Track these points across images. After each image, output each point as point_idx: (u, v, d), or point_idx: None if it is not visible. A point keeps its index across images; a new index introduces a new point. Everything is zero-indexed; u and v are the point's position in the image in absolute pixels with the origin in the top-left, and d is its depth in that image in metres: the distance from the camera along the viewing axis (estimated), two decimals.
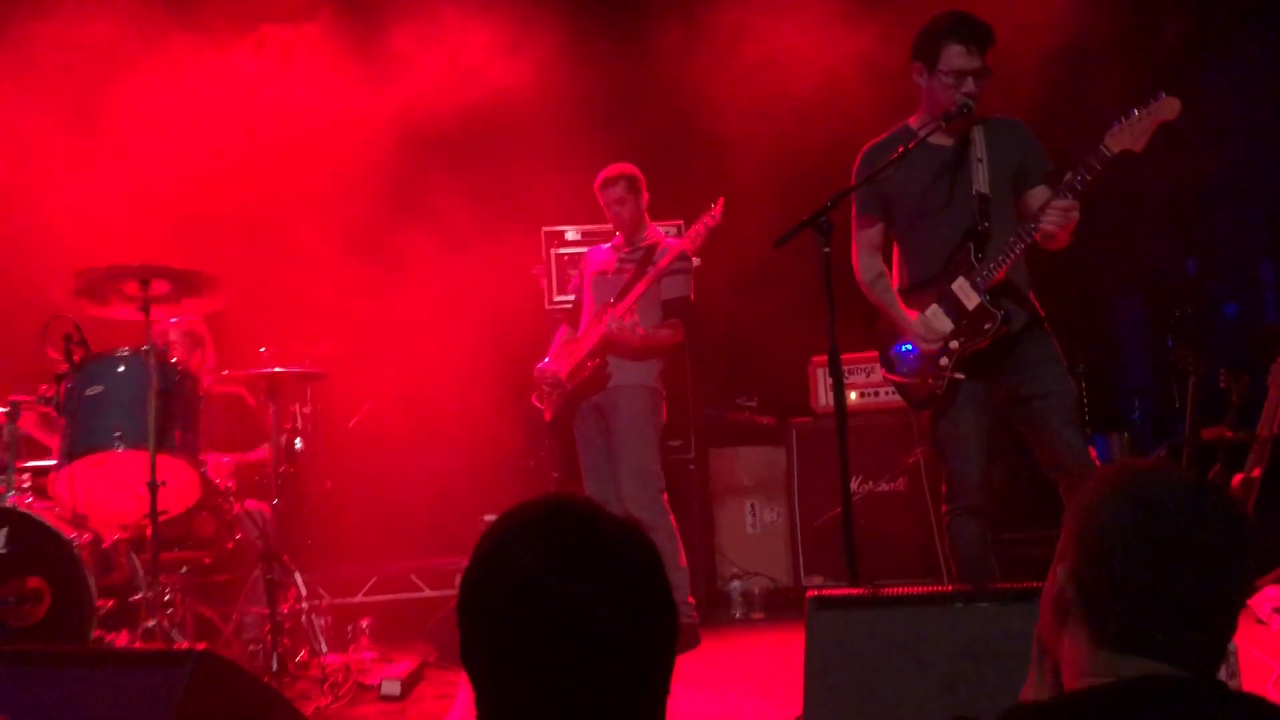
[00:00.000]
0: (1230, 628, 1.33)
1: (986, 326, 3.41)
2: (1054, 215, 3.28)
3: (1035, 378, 3.45)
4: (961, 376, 3.47)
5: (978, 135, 3.52)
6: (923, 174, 3.54)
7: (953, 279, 3.47)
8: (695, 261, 5.03)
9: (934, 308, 3.50)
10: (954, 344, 3.47)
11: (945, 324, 3.48)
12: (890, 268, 3.70)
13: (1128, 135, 3.19)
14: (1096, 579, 1.33)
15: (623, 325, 4.59)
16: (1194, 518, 1.31)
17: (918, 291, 3.59)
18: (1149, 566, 1.30)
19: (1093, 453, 3.46)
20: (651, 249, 4.80)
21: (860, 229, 3.68)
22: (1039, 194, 3.46)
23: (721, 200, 4.59)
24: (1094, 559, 1.34)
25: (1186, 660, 1.30)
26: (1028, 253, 3.45)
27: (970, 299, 3.44)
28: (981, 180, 3.47)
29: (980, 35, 3.41)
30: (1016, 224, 3.44)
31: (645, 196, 4.88)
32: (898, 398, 3.82)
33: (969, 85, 3.40)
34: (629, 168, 4.85)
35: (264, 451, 4.73)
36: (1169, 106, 3.18)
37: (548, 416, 4.94)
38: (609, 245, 5.01)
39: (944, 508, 3.57)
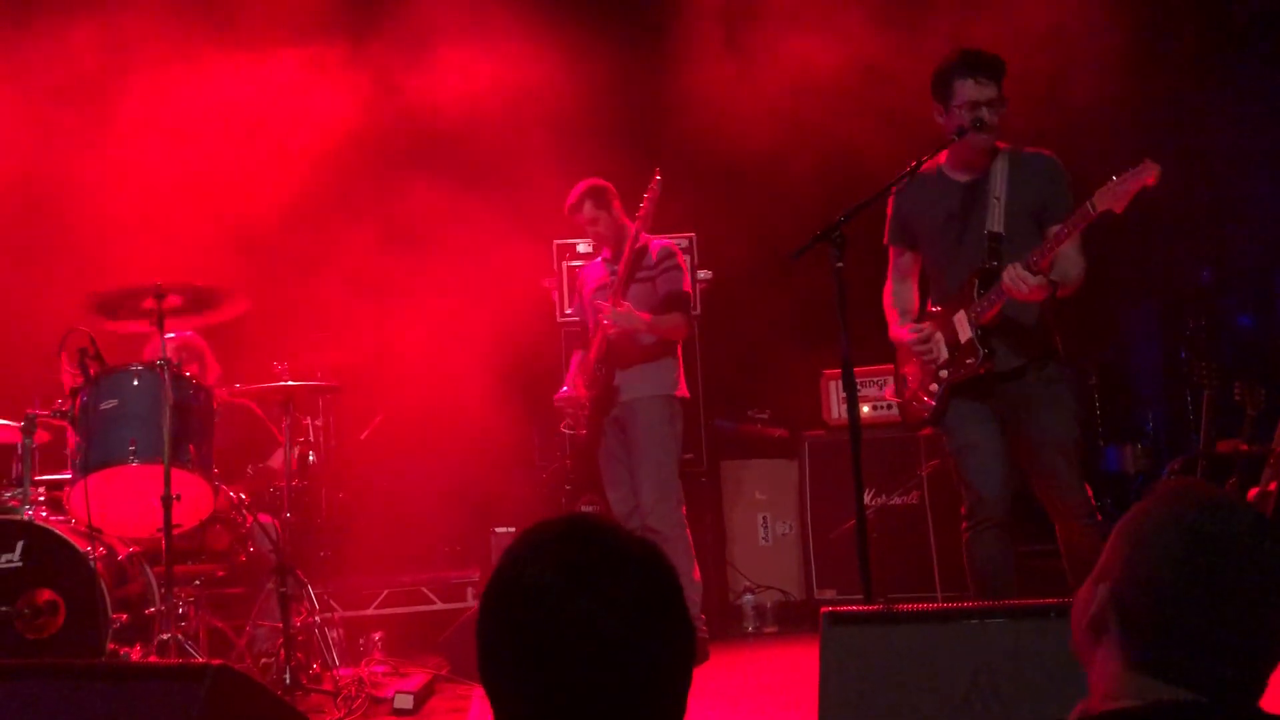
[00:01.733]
0: (1273, 664, 1.31)
1: (969, 361, 3.52)
2: (1010, 282, 3.31)
3: (1035, 420, 3.52)
4: (933, 403, 3.59)
5: (1000, 171, 3.57)
6: (940, 209, 3.66)
7: (956, 310, 3.58)
8: (704, 274, 5.03)
9: (938, 335, 3.63)
10: (943, 373, 3.60)
11: (943, 352, 3.62)
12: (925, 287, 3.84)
13: (1110, 196, 3.23)
14: (1141, 606, 1.31)
15: (620, 315, 4.56)
16: (1253, 560, 1.28)
17: (936, 317, 3.71)
18: (1199, 604, 1.28)
19: (1089, 490, 3.52)
20: (640, 252, 4.78)
21: (893, 257, 3.86)
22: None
23: (658, 172, 4.58)
24: (1141, 586, 1.31)
25: (1224, 693, 1.28)
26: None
27: (964, 332, 3.54)
28: (996, 219, 3.55)
29: (989, 66, 3.49)
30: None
31: (617, 204, 4.83)
32: None
33: (983, 113, 3.47)
34: (589, 184, 4.81)
35: (276, 460, 4.75)
36: (1148, 171, 3.21)
37: (583, 433, 4.90)
38: (600, 259, 5.01)
39: (964, 524, 3.57)
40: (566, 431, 4.98)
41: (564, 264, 5.72)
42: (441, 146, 5.89)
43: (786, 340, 5.71)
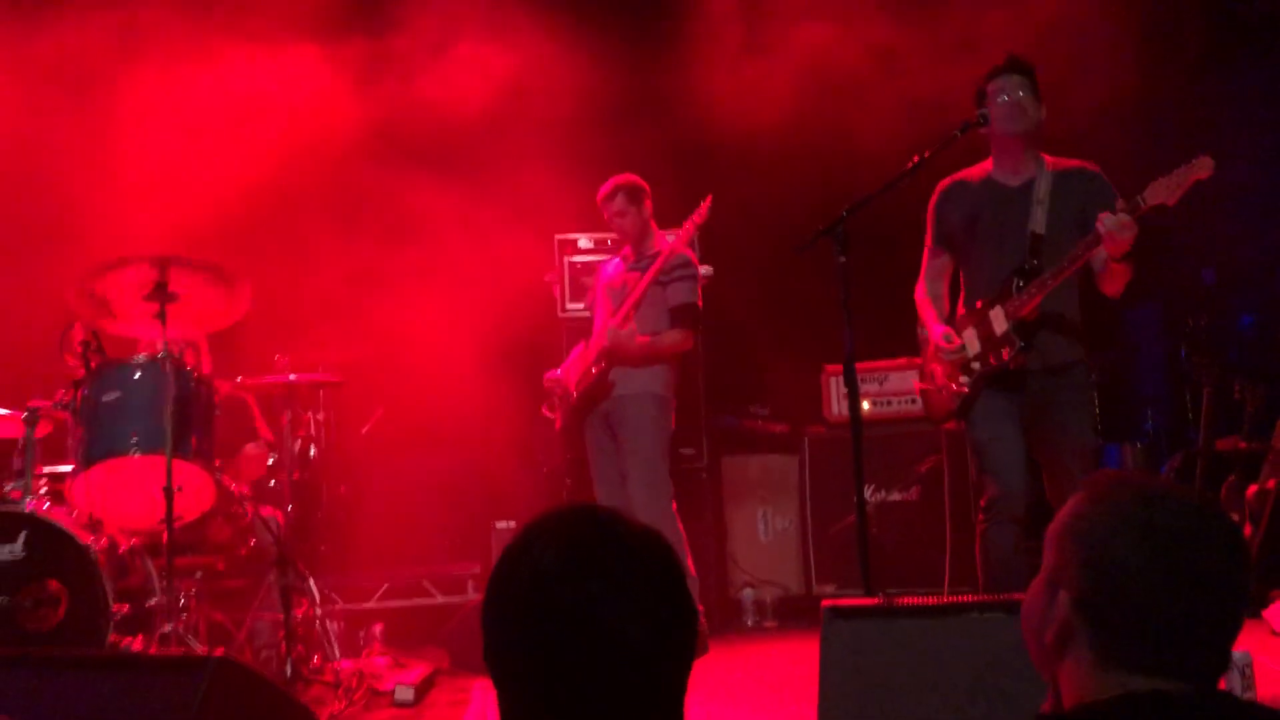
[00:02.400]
0: (1235, 638, 1.35)
1: (1004, 352, 3.55)
2: (1107, 225, 3.30)
3: (1057, 419, 3.57)
4: (967, 390, 3.63)
5: (1044, 180, 3.65)
6: (985, 211, 3.72)
7: (991, 307, 3.63)
8: (705, 270, 5.03)
9: (970, 331, 3.68)
10: (975, 364, 3.64)
11: (975, 346, 3.65)
12: (957, 290, 3.88)
13: (1163, 190, 3.28)
14: (1111, 607, 1.33)
15: (619, 333, 4.58)
16: (1205, 540, 1.32)
17: (966, 317, 3.75)
18: (1167, 592, 1.31)
19: None
20: (657, 257, 4.80)
21: (930, 256, 3.92)
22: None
23: (709, 198, 4.60)
24: (1108, 588, 1.33)
25: (1195, 675, 1.32)
26: (1081, 289, 3.57)
27: (999, 325, 3.58)
28: (1038, 221, 3.61)
29: (1013, 62, 3.63)
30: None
31: (649, 205, 4.84)
32: (910, 407, 3.95)
33: (1013, 101, 3.57)
34: (628, 178, 4.82)
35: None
36: (1203, 165, 3.28)
37: (558, 425, 4.94)
38: (619, 257, 5.02)
39: (980, 516, 3.61)
40: (546, 414, 5.00)
41: (565, 259, 5.72)
42: (444, 140, 5.89)
43: (788, 336, 5.72)
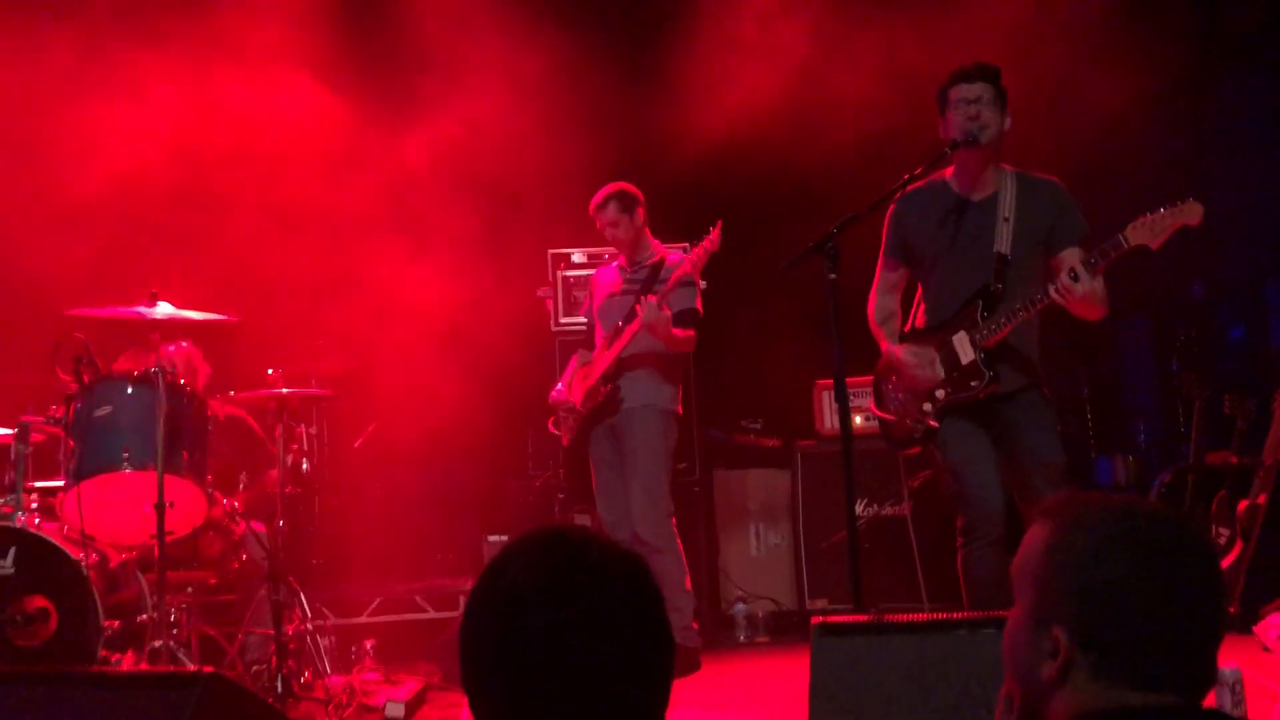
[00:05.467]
0: (1219, 645, 1.38)
1: (973, 384, 3.48)
2: (1064, 286, 3.27)
3: (1025, 441, 3.50)
4: (936, 425, 3.54)
5: (1008, 193, 3.54)
6: (947, 226, 3.60)
7: (955, 331, 3.53)
8: (701, 283, 5.04)
9: (934, 356, 3.57)
10: (940, 393, 3.54)
11: (938, 372, 3.55)
12: (912, 305, 3.78)
13: (1147, 231, 3.21)
14: (1111, 628, 1.33)
15: (656, 314, 4.45)
16: (1185, 547, 1.36)
17: (926, 336, 3.65)
18: (1162, 601, 1.33)
19: None
20: (657, 266, 4.80)
21: (884, 269, 3.79)
22: (1070, 256, 3.45)
23: (720, 224, 4.58)
24: (1106, 611, 1.34)
25: (1190, 685, 1.34)
26: (1042, 316, 3.49)
27: (966, 354, 3.50)
28: (1003, 240, 3.51)
29: (979, 69, 3.52)
30: (1030, 288, 3.43)
31: (642, 212, 4.83)
32: None
33: (975, 111, 3.46)
34: (619, 186, 4.80)
35: (272, 478, 4.76)
36: (1192, 211, 3.20)
37: (565, 442, 4.93)
38: (615, 265, 5.01)
39: (960, 540, 3.54)
40: (552, 430, 4.99)
41: (559, 273, 5.73)
42: (437, 156, 5.91)
43: (780, 351, 5.73)
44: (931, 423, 3.54)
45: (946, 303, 3.59)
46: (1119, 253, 3.25)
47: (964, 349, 3.49)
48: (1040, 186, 3.59)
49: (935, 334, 3.59)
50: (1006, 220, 3.51)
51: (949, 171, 3.65)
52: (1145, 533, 1.35)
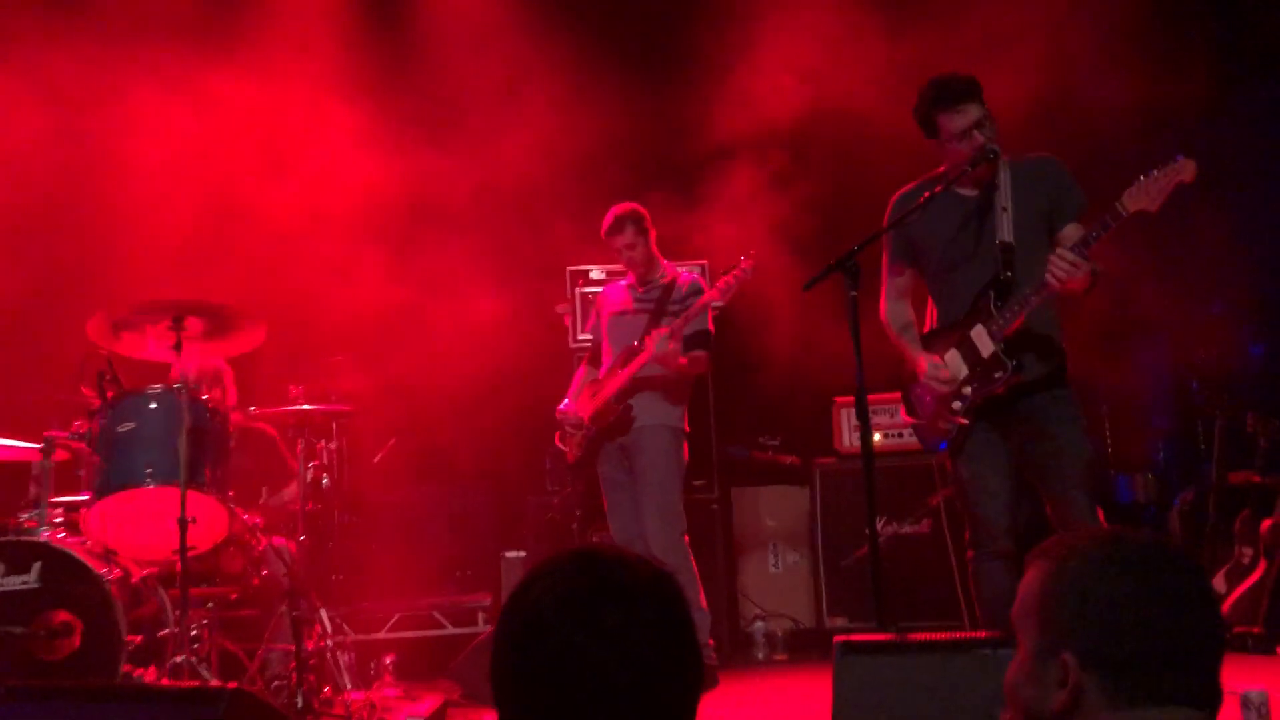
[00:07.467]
0: (1220, 662, 1.43)
1: (997, 375, 3.43)
2: (1056, 268, 3.25)
3: (1049, 436, 3.45)
4: (966, 422, 3.49)
5: (1004, 181, 3.51)
6: (949, 224, 3.58)
7: (972, 326, 3.50)
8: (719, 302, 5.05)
9: (952, 352, 3.53)
10: (967, 390, 3.49)
11: (961, 369, 3.51)
12: (923, 310, 3.74)
13: (1144, 196, 3.18)
14: (1117, 644, 1.39)
15: (666, 346, 4.52)
16: (1174, 563, 1.44)
17: (943, 335, 3.62)
18: (1161, 612, 1.39)
19: (1100, 514, 3.42)
20: (670, 286, 4.81)
21: (890, 275, 3.75)
22: (1071, 232, 3.45)
23: (755, 254, 4.55)
24: (1110, 629, 1.39)
25: (1197, 702, 1.39)
26: (1060, 299, 3.45)
27: (985, 347, 3.45)
28: (1005, 229, 3.48)
29: (964, 92, 3.46)
30: (1040, 271, 3.38)
31: (653, 232, 4.86)
32: None
33: (978, 137, 3.45)
34: (629, 208, 4.81)
35: (291, 492, 4.78)
36: (1185, 168, 3.17)
37: (571, 458, 4.93)
38: (624, 283, 5.01)
39: (969, 554, 3.54)
40: (559, 446, 5.00)
41: (577, 290, 5.76)
42: (456, 173, 5.94)
43: (798, 368, 5.72)
44: (962, 420, 3.50)
45: (961, 298, 3.56)
46: (1119, 222, 3.22)
47: (983, 342, 3.46)
48: (1033, 166, 3.55)
49: (954, 331, 3.56)
50: (1005, 210, 3.49)
51: (942, 168, 3.63)
52: (1136, 553, 1.43)
